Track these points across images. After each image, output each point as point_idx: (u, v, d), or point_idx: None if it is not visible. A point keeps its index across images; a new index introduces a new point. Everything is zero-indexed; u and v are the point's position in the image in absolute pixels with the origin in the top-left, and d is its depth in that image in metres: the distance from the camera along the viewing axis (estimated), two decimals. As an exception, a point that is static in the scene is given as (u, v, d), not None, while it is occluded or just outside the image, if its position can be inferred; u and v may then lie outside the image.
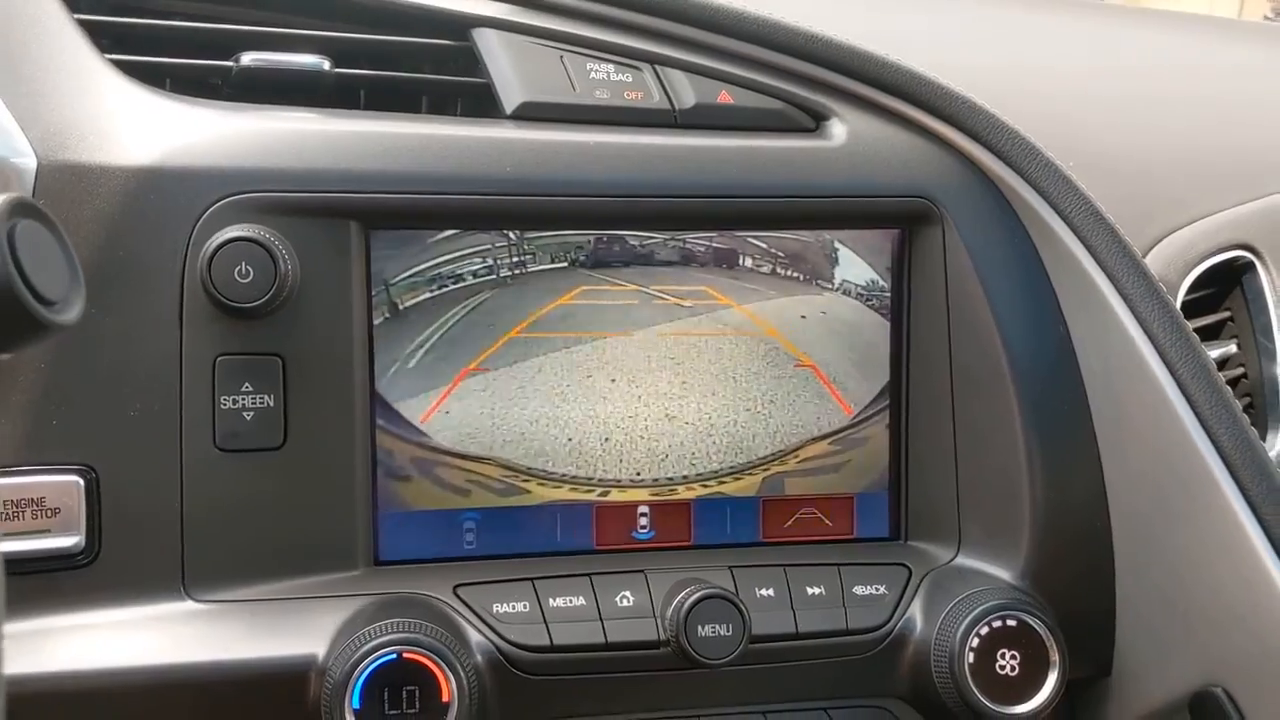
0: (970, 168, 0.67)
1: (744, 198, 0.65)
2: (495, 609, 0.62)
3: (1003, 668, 0.63)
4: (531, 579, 0.63)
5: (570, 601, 0.63)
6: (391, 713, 0.56)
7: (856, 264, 0.69)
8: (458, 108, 0.68)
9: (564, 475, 0.66)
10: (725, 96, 0.67)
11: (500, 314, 0.65)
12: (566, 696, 0.63)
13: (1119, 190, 0.68)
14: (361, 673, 0.56)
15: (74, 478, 0.58)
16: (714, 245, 0.67)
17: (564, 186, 0.63)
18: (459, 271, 0.64)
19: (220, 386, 0.59)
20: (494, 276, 0.65)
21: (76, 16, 0.62)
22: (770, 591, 0.65)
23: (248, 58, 0.64)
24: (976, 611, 0.63)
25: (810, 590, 0.66)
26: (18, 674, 0.55)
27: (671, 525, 0.68)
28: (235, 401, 0.60)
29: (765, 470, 0.69)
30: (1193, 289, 0.71)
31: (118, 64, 0.62)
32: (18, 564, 0.56)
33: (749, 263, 0.68)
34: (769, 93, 0.68)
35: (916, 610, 0.66)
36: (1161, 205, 0.73)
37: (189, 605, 0.59)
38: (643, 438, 0.67)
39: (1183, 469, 0.62)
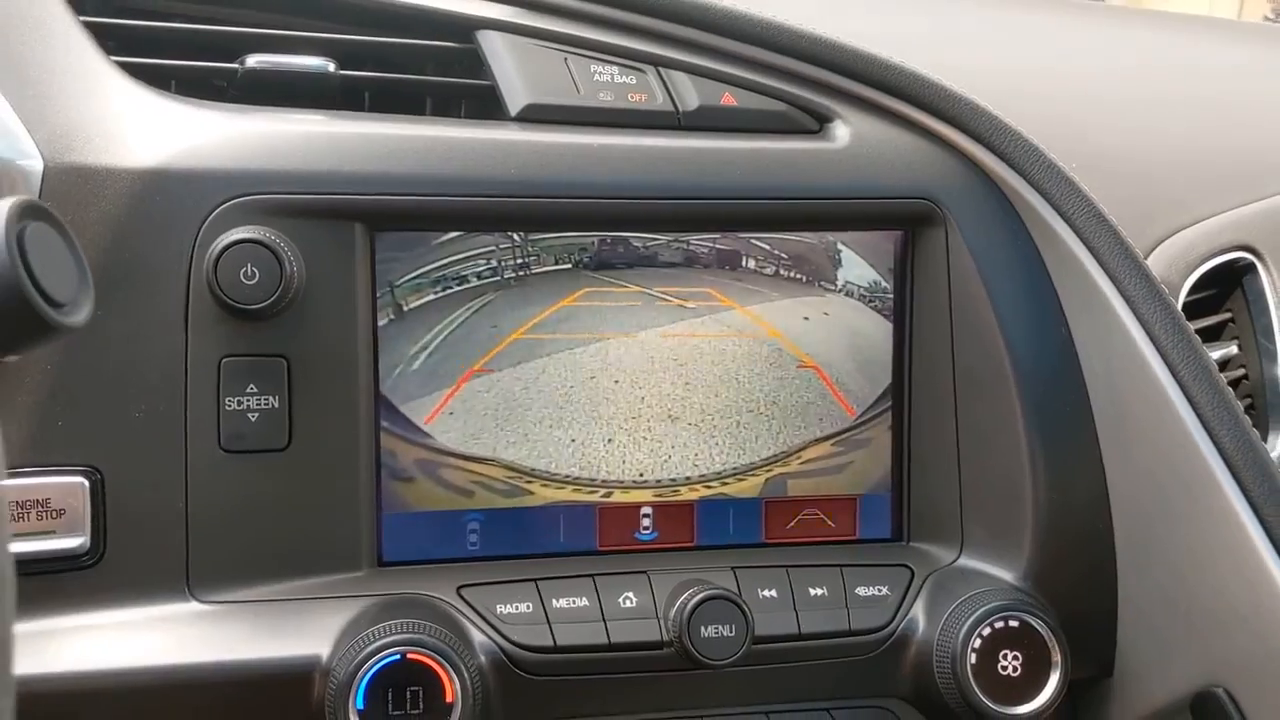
0: (973, 169, 0.67)
1: (747, 199, 0.65)
2: (499, 610, 0.62)
3: (1005, 668, 0.63)
4: (535, 580, 0.63)
5: (573, 602, 0.63)
6: (395, 713, 0.57)
7: (859, 265, 0.69)
8: (462, 110, 0.68)
9: (567, 476, 0.67)
10: (729, 98, 0.67)
11: (504, 315, 0.65)
12: (570, 697, 0.63)
13: (1120, 191, 0.69)
14: (366, 673, 0.56)
15: (79, 479, 0.58)
16: (717, 247, 0.68)
17: (568, 188, 0.63)
18: (463, 273, 0.64)
19: (225, 388, 0.59)
20: (498, 278, 0.65)
21: (82, 19, 0.62)
22: (773, 592, 0.65)
23: (253, 60, 0.64)
24: (979, 612, 0.63)
25: (813, 591, 0.66)
26: (22, 675, 0.55)
27: (674, 526, 0.68)
28: (240, 403, 0.60)
29: (768, 471, 0.69)
30: (1194, 290, 0.71)
31: (123, 66, 0.62)
32: (23, 565, 0.56)
33: (752, 264, 0.68)
34: (772, 95, 0.68)
35: (919, 611, 0.66)
36: (1162, 206, 0.73)
37: (193, 606, 0.59)
38: (646, 439, 0.67)
39: (1185, 470, 0.62)
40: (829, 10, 0.74)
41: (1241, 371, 0.71)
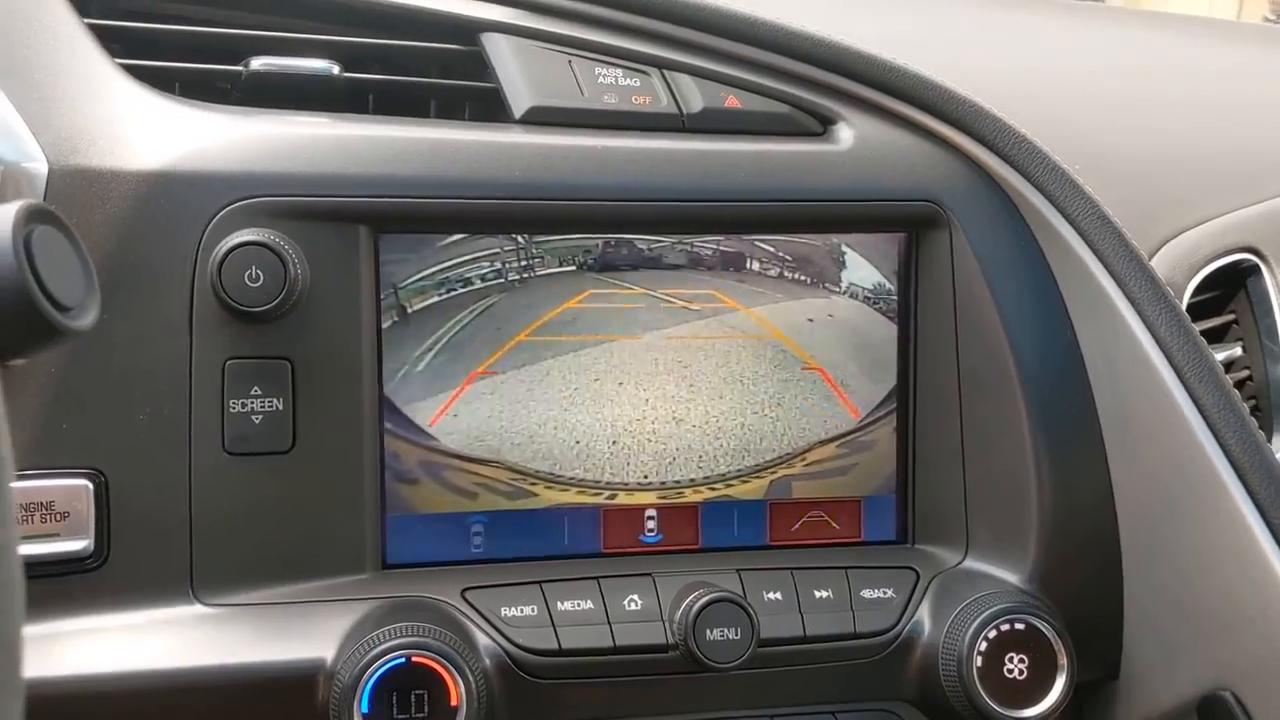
0: (977, 172, 0.67)
1: (751, 201, 0.65)
2: (503, 612, 0.62)
3: (1011, 671, 0.63)
4: (539, 582, 0.63)
5: (578, 605, 0.63)
6: (400, 717, 0.56)
7: (863, 267, 0.69)
8: (466, 112, 0.68)
9: (572, 478, 0.67)
10: (732, 101, 0.67)
11: (508, 317, 0.65)
12: (574, 700, 0.63)
13: (1121, 192, 0.69)
14: (370, 676, 0.56)
15: (83, 481, 0.58)
16: (721, 249, 0.68)
17: (572, 190, 0.63)
18: (467, 275, 0.64)
19: (229, 390, 0.59)
20: (502, 280, 0.65)
21: (87, 21, 0.63)
22: (778, 595, 0.65)
23: (257, 62, 0.64)
24: (984, 615, 0.63)
25: (818, 593, 0.66)
26: (27, 678, 0.55)
27: (679, 528, 0.68)
28: (244, 405, 0.60)
29: (772, 473, 0.69)
30: (1198, 292, 0.71)
31: (128, 69, 0.62)
32: (27, 568, 0.56)
33: (756, 266, 0.68)
34: (776, 97, 0.68)
35: (924, 613, 0.66)
36: (1165, 207, 0.73)
37: (197, 609, 0.59)
38: (650, 441, 0.67)
39: (1190, 472, 0.62)
40: (830, 11, 0.74)
41: (1246, 373, 0.71)
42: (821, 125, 0.69)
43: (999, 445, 0.67)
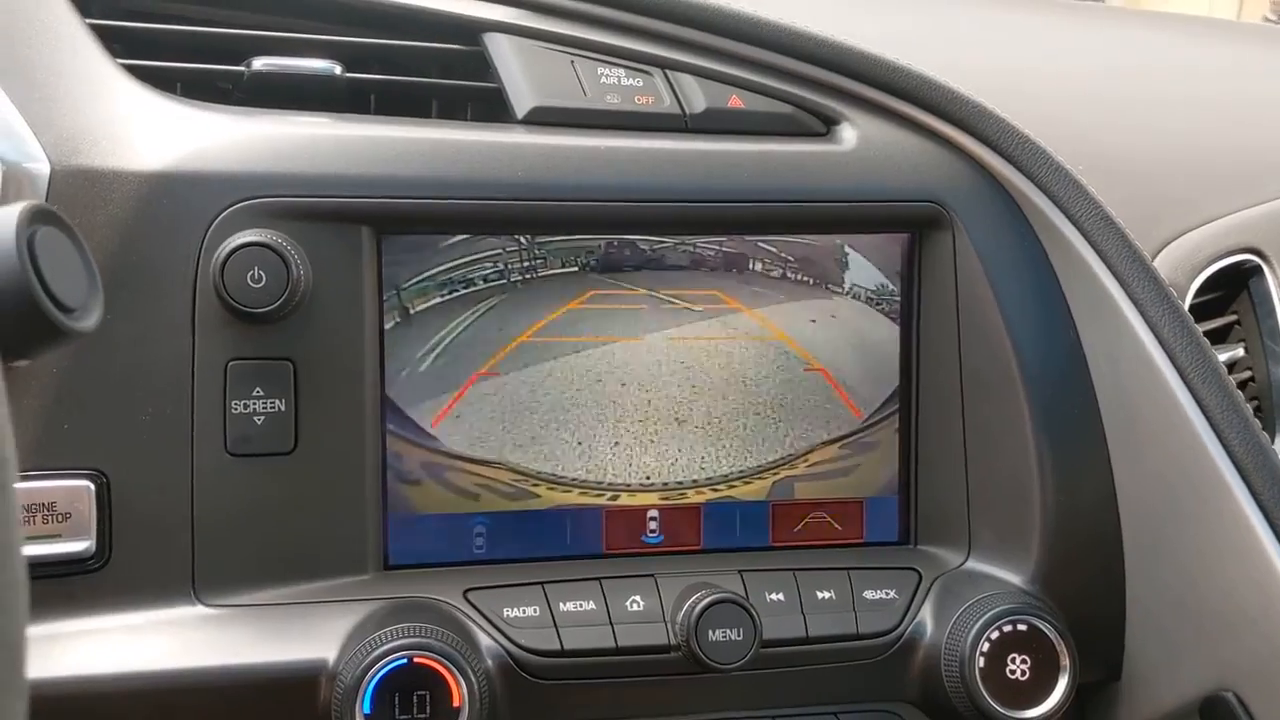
0: (980, 172, 0.67)
1: (754, 202, 0.65)
2: (505, 613, 0.62)
3: (1013, 672, 0.63)
4: (541, 583, 0.63)
5: (580, 606, 0.63)
6: (402, 717, 0.56)
7: (866, 268, 0.69)
8: (468, 112, 0.68)
9: (574, 479, 0.66)
10: (736, 101, 0.67)
11: (511, 318, 0.65)
12: (577, 701, 0.63)
13: (1123, 192, 0.68)
14: (372, 677, 0.56)
15: (85, 482, 0.58)
16: (724, 250, 0.67)
17: (574, 191, 0.63)
18: (470, 276, 0.64)
19: (232, 391, 0.59)
20: (504, 281, 0.65)
21: (88, 21, 0.62)
22: (780, 596, 0.65)
23: (259, 63, 0.64)
24: (987, 616, 0.63)
25: (820, 594, 0.65)
26: (28, 679, 0.55)
27: (681, 529, 0.68)
28: (246, 406, 0.60)
29: (775, 474, 0.69)
30: (1200, 292, 0.71)
31: (129, 69, 0.62)
32: (29, 568, 0.56)
33: (759, 267, 0.68)
34: (779, 97, 0.68)
35: (927, 614, 0.66)
36: (1166, 207, 0.73)
37: (199, 610, 0.59)
38: (652, 442, 0.67)
39: (1194, 472, 0.62)
40: (832, 11, 0.74)
41: (1248, 374, 0.71)
42: (825, 125, 0.68)
43: (1002, 446, 0.67)
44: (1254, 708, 0.61)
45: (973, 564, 0.68)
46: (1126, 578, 0.67)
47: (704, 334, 0.68)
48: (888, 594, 0.66)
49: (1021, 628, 0.63)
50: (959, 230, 0.67)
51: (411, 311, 0.64)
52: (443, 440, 0.65)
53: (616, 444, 0.67)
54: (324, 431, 0.61)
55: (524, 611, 0.62)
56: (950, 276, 0.67)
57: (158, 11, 0.66)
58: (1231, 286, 0.73)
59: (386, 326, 0.63)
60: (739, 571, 0.65)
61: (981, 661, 0.63)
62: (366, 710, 0.56)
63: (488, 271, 0.65)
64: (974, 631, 0.63)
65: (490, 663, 0.60)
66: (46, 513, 0.57)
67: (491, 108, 0.67)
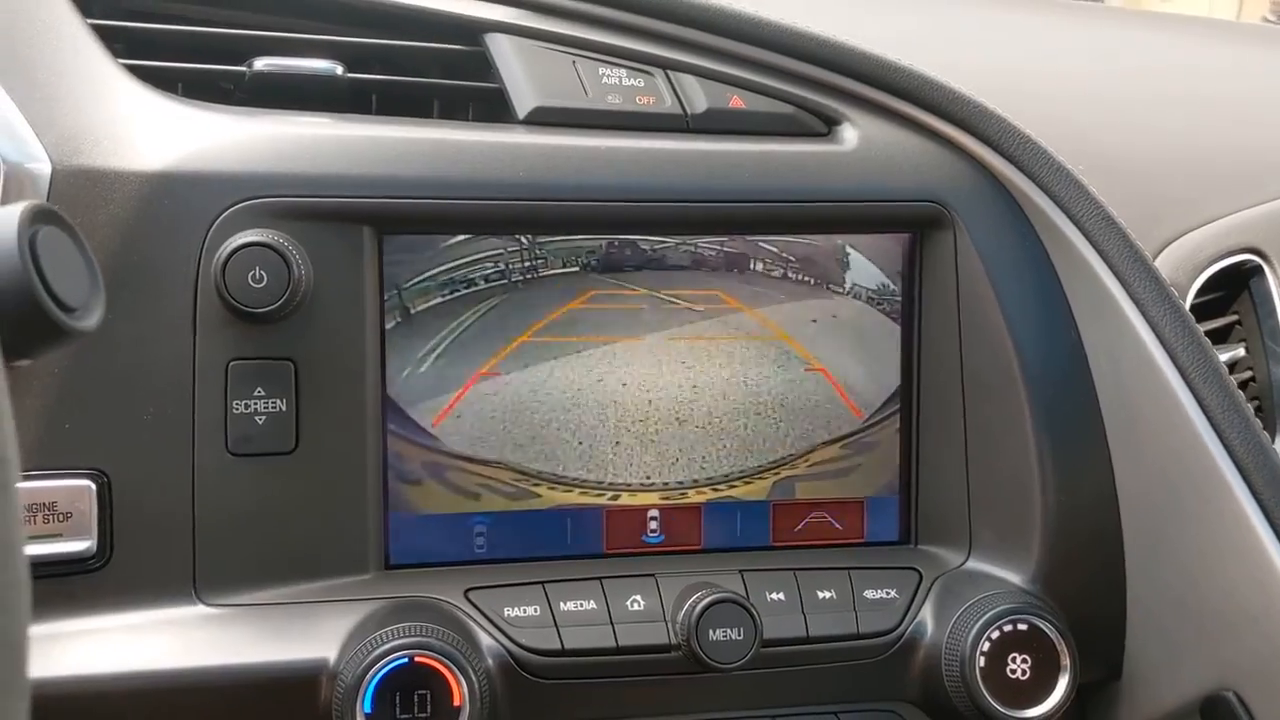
0: (982, 172, 0.67)
1: (755, 202, 0.65)
2: (506, 612, 0.62)
3: (1014, 671, 0.63)
4: (542, 583, 0.63)
5: (581, 605, 0.63)
6: (403, 717, 0.57)
7: (867, 268, 0.69)
8: (469, 113, 0.68)
9: (574, 479, 0.67)
10: (737, 101, 0.67)
11: (512, 318, 0.65)
12: (577, 700, 0.63)
13: (1123, 192, 0.68)
14: (373, 677, 0.56)
15: (86, 482, 0.58)
16: (725, 249, 0.67)
17: (576, 191, 0.63)
18: (471, 276, 0.64)
19: (233, 391, 0.59)
20: (506, 281, 0.65)
21: (90, 21, 0.62)
22: (781, 595, 0.65)
23: (261, 63, 0.64)
24: (988, 615, 0.63)
25: (821, 594, 0.66)
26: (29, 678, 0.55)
27: (681, 529, 0.68)
28: (247, 406, 0.60)
29: (775, 474, 0.69)
30: (1201, 292, 0.71)
31: (131, 69, 0.62)
32: (30, 568, 0.56)
33: (760, 267, 0.68)
34: (780, 97, 0.68)
35: (927, 614, 0.66)
36: (1167, 207, 0.73)
37: (200, 609, 0.59)
38: (653, 442, 0.67)
39: (1195, 472, 0.62)
40: (833, 11, 0.74)
41: (1249, 374, 0.71)
42: (826, 126, 0.68)
43: (1002, 446, 0.67)
44: (1255, 707, 0.61)
45: (973, 564, 0.68)
46: (1127, 577, 0.67)
47: (705, 334, 0.68)
48: (888, 594, 0.66)
49: (1022, 627, 0.63)
50: (960, 230, 0.67)
51: (412, 311, 0.64)
52: (443, 440, 0.65)
53: (617, 444, 0.67)
54: (325, 431, 0.61)
55: (524, 611, 0.62)
56: (951, 276, 0.67)
57: (159, 11, 0.66)
58: (1232, 286, 0.73)
59: (388, 326, 0.63)
60: (739, 571, 0.66)
61: (982, 661, 0.63)
62: (367, 709, 0.56)
63: (489, 271, 0.65)
64: (974, 631, 0.63)
65: (491, 662, 0.60)
66: (47, 512, 0.57)
67: (493, 108, 0.67)
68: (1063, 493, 0.66)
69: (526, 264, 0.65)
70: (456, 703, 0.57)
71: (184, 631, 0.59)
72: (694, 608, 0.61)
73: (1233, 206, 0.74)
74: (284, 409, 0.60)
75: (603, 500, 0.67)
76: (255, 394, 0.60)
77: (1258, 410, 0.70)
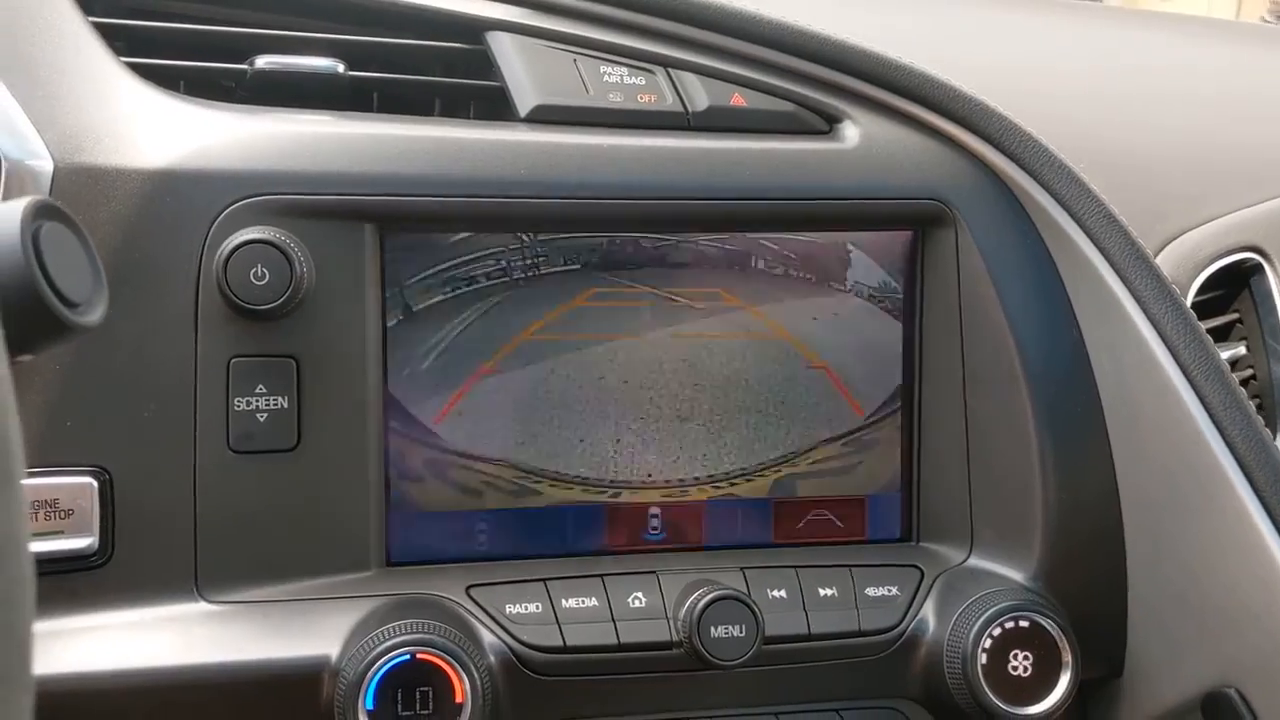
0: (983, 170, 0.67)
1: (757, 200, 0.65)
2: (508, 610, 0.62)
3: (1015, 669, 0.63)
4: (544, 580, 0.63)
5: (583, 602, 0.63)
6: (405, 714, 0.57)
7: (869, 266, 0.69)
8: (471, 111, 0.68)
9: (576, 477, 0.67)
10: (738, 99, 0.67)
11: (513, 316, 0.65)
12: (579, 697, 0.63)
13: (1125, 190, 0.69)
14: (375, 674, 0.56)
15: (88, 479, 0.58)
16: (726, 247, 0.68)
17: (577, 189, 0.63)
18: (472, 274, 0.64)
19: (234, 388, 0.59)
20: (507, 279, 0.65)
21: (91, 20, 0.62)
22: (782, 593, 0.65)
23: (262, 61, 0.64)
24: (989, 613, 0.63)
25: (822, 591, 0.66)
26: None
27: (683, 527, 0.68)
28: (249, 403, 0.60)
29: (777, 472, 0.69)
30: (1202, 291, 0.71)
31: (132, 67, 0.62)
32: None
33: (761, 264, 0.68)
34: (782, 95, 0.68)
35: (929, 611, 0.66)
36: (1168, 205, 0.73)
37: (202, 606, 0.59)
38: (655, 439, 0.67)
39: (1196, 469, 0.62)
40: (834, 9, 0.74)
41: (1250, 372, 0.71)
42: (827, 123, 0.69)
43: (1004, 443, 0.67)
44: (1256, 703, 0.61)
45: (975, 561, 0.68)
46: (1129, 574, 0.67)
47: (706, 331, 0.68)
48: (890, 591, 0.66)
49: (1024, 624, 0.63)
50: (961, 228, 0.67)
51: (414, 309, 0.64)
52: (445, 438, 0.65)
53: (619, 441, 0.67)
54: (327, 429, 0.61)
55: (526, 608, 0.62)
56: (953, 274, 0.67)
57: (160, 10, 0.66)
58: (1233, 285, 0.73)
59: (389, 324, 0.63)
60: (741, 569, 0.66)
61: (984, 658, 0.63)
62: (369, 706, 0.56)
63: (490, 269, 0.65)
64: (976, 628, 0.63)
65: (493, 659, 0.60)
66: (49, 509, 0.57)
67: (494, 106, 0.67)
68: (1064, 490, 0.66)
69: (528, 262, 0.65)
70: (459, 699, 0.57)
71: (185, 629, 0.59)
72: (695, 605, 0.61)
73: (1233, 205, 0.74)
74: (285, 406, 0.60)
75: (604, 498, 0.67)
76: (257, 391, 0.60)
77: (1258, 408, 0.70)
